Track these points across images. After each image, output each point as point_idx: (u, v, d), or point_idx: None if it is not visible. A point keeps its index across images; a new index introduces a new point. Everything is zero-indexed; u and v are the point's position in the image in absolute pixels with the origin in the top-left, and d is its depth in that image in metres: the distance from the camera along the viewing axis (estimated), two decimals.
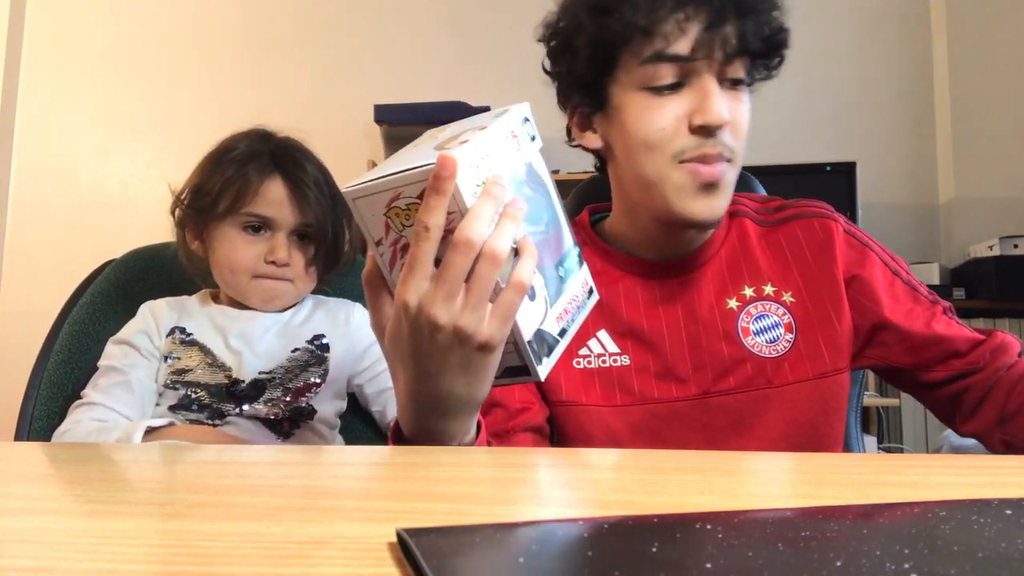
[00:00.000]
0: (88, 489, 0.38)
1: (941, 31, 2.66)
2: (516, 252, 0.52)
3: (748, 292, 0.80)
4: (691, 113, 0.70)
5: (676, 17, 0.69)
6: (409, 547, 0.24)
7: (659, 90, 0.71)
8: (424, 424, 0.55)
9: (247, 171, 0.95)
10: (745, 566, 0.23)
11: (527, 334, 0.53)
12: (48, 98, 2.93)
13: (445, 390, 0.53)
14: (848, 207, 2.35)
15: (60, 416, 0.98)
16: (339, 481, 0.41)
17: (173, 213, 1.00)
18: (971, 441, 0.77)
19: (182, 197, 0.99)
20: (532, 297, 0.54)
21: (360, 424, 1.07)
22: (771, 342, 0.78)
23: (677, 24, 0.69)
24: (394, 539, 0.26)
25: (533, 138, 0.57)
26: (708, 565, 0.23)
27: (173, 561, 0.26)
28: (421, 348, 0.51)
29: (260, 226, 0.96)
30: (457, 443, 0.57)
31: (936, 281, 2.39)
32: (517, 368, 0.55)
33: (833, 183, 2.38)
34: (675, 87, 0.71)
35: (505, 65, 2.71)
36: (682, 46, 0.69)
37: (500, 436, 0.73)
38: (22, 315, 2.57)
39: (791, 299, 0.79)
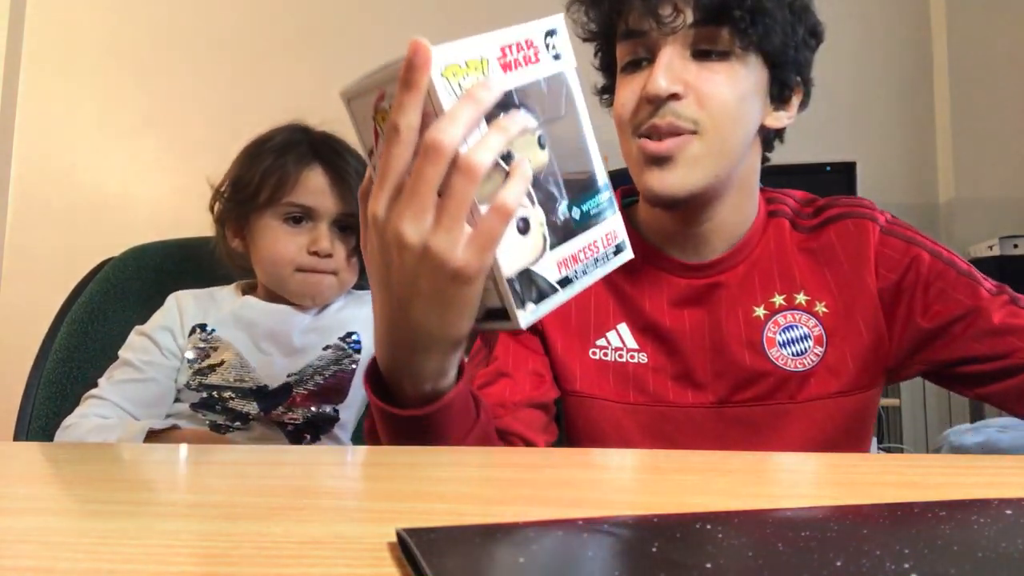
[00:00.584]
0: (88, 489, 0.38)
1: (941, 31, 2.66)
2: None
3: (778, 300, 0.76)
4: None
5: None
6: (409, 547, 0.24)
7: (627, 68, 0.72)
8: (398, 359, 0.52)
9: (285, 161, 0.94)
10: (745, 566, 0.23)
11: (508, 270, 0.46)
12: (48, 98, 2.93)
13: (417, 321, 0.48)
14: None
15: (59, 415, 0.97)
16: (339, 481, 0.41)
17: (212, 208, 1.00)
18: (971, 441, 0.76)
19: (222, 190, 0.98)
20: (524, 230, 0.47)
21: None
22: (798, 355, 0.75)
23: (631, 1, 0.69)
24: (394, 539, 0.26)
25: (557, 56, 0.50)
26: (708, 565, 0.23)
27: (173, 561, 0.26)
28: (391, 269, 0.47)
29: (301, 217, 0.95)
30: (431, 385, 0.52)
31: None
32: (498, 311, 0.48)
33: (833, 183, 2.37)
34: (642, 64, 0.71)
35: None
36: (634, 21, 0.70)
37: (506, 407, 0.71)
38: (22, 314, 2.57)
39: (824, 310, 0.76)
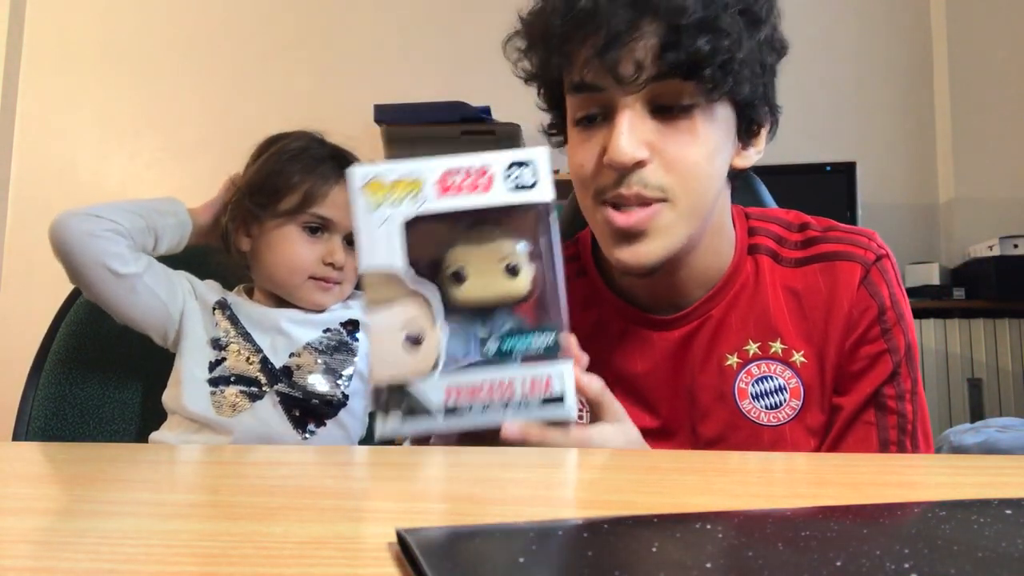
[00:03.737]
0: (88, 489, 0.38)
1: (941, 31, 2.66)
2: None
3: (752, 348, 0.71)
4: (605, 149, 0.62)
5: (578, 44, 0.62)
6: (409, 547, 0.24)
7: (582, 123, 0.65)
8: None
9: (316, 175, 0.97)
10: (745, 566, 0.23)
11: (377, 377, 0.47)
12: (48, 98, 2.92)
13: None
14: (848, 207, 2.34)
15: (58, 416, 0.98)
16: (339, 481, 0.41)
17: (226, 206, 1.02)
18: (971, 441, 0.76)
19: (243, 190, 1.00)
20: (415, 341, 0.47)
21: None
22: (772, 408, 0.69)
23: (582, 51, 0.62)
24: (394, 539, 0.26)
25: (523, 186, 0.49)
26: (708, 565, 0.23)
27: (173, 561, 0.26)
28: None
29: (318, 228, 0.97)
30: None
31: (936, 281, 2.38)
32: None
33: (833, 183, 2.37)
34: (597, 119, 0.64)
35: (505, 65, 2.71)
36: (589, 76, 0.62)
37: None
38: (21, 314, 2.57)
39: (803, 360, 0.69)
